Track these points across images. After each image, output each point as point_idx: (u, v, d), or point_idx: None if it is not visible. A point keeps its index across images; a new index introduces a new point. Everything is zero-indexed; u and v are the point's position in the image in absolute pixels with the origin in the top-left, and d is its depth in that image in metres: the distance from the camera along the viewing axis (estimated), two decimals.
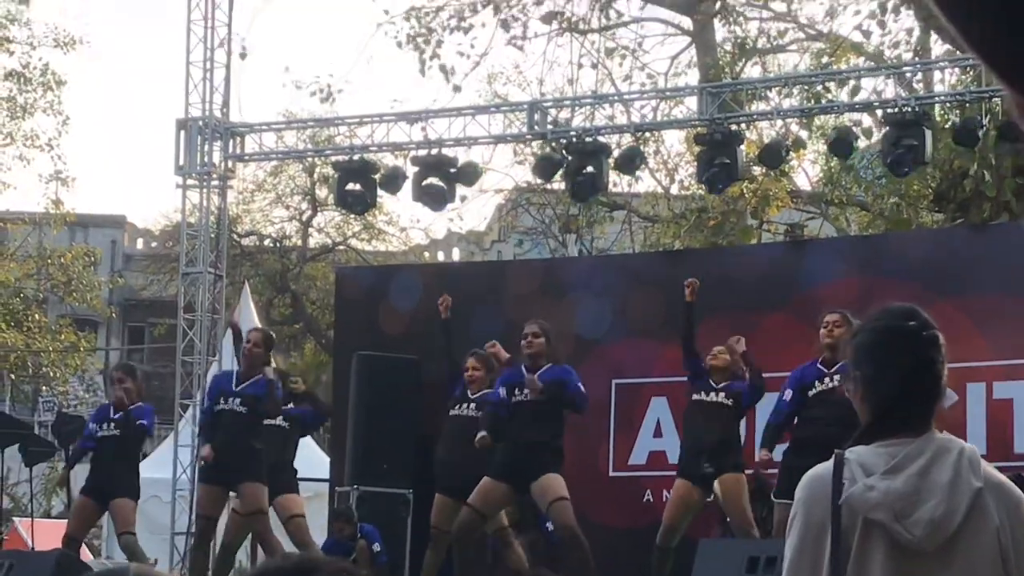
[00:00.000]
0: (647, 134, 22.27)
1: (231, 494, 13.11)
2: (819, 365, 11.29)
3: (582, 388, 11.80)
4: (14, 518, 21.73)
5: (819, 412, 10.99)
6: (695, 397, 12.24)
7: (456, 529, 11.83)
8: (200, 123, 16.78)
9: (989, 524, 3.34)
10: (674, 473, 12.61)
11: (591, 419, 14.49)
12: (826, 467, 3.43)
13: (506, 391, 11.87)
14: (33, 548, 16.17)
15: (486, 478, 11.63)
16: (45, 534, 17.17)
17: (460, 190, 16.88)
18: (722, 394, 12.06)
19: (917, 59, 21.56)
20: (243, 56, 17.09)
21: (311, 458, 18.12)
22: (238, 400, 12.74)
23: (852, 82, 17.85)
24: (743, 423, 12.66)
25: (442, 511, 12.33)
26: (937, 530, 3.31)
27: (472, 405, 12.51)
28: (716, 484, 11.96)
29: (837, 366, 10.97)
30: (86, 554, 15.75)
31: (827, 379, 11.21)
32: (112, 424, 13.19)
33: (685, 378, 12.79)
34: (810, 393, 11.29)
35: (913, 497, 3.32)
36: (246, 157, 17.81)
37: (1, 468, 17.38)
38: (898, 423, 3.43)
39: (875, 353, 3.52)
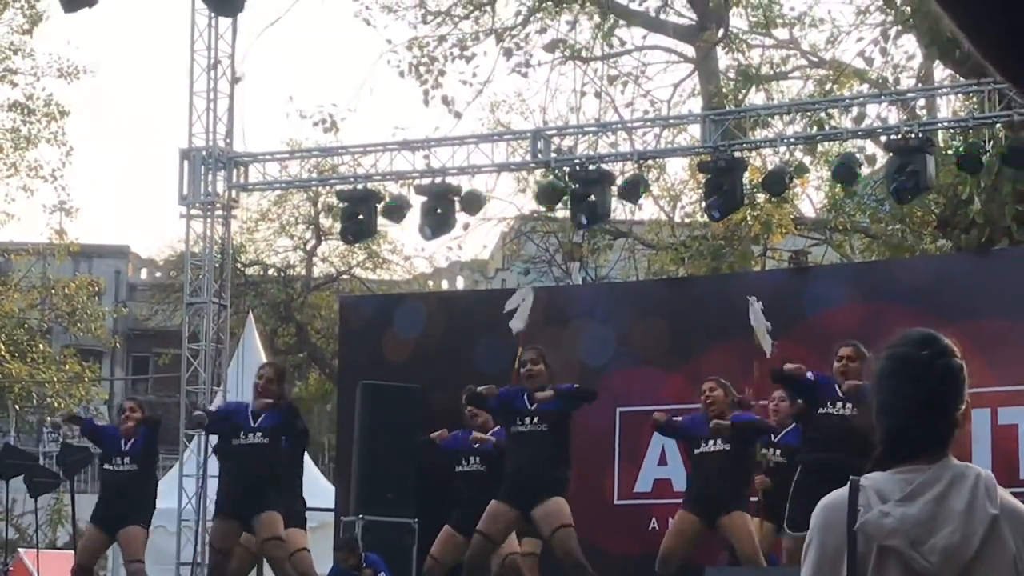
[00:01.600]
0: (650, 161, 22.29)
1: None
2: (838, 387, 11.31)
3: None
4: (19, 549, 21.70)
5: (824, 433, 11.11)
6: (696, 452, 12.17)
7: (468, 557, 11.88)
8: (204, 152, 16.79)
9: (1006, 552, 3.32)
10: (679, 500, 12.58)
11: (596, 447, 14.49)
12: (841, 494, 3.41)
13: (507, 421, 12.01)
14: None
15: (494, 502, 11.73)
16: (50, 565, 17.16)
17: (463, 218, 16.89)
18: (719, 441, 11.96)
19: (920, 85, 21.59)
20: (238, 81, 17.04)
21: (316, 488, 18.09)
22: (259, 433, 12.75)
23: (856, 109, 17.85)
24: None
25: (447, 545, 12.37)
26: (953, 557, 3.29)
27: (477, 458, 12.75)
28: (722, 521, 11.84)
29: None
30: None
31: (839, 403, 11.24)
32: (127, 459, 13.19)
33: (689, 406, 12.82)
34: (820, 411, 11.35)
35: (929, 524, 3.30)
36: (250, 186, 17.83)
37: (6, 499, 17.36)
38: (909, 451, 3.41)
39: (886, 381, 3.51)
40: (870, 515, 3.33)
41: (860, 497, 3.36)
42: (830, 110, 18.15)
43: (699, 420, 12.08)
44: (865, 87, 23.47)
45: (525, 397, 11.83)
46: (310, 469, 20.53)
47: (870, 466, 3.45)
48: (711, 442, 11.88)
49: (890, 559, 3.32)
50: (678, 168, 27.61)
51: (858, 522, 3.33)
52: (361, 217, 16.46)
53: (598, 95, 25.90)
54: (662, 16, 26.59)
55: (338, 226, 19.97)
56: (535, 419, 11.70)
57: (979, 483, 3.36)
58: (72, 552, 15.42)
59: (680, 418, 12.37)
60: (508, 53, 25.47)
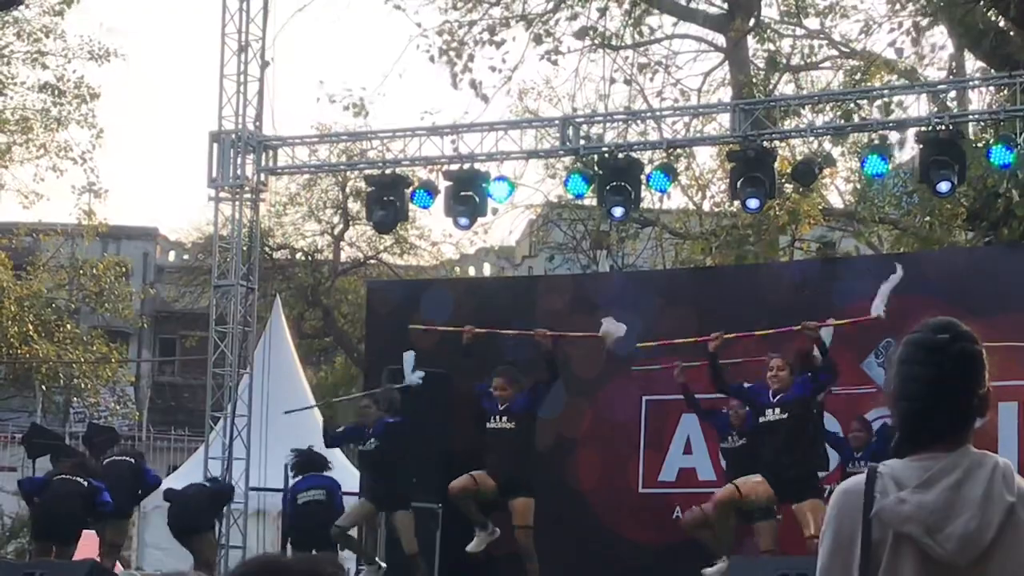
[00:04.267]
0: (679, 150, 22.24)
1: None
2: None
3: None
4: None
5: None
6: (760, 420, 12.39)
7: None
8: (233, 136, 16.83)
9: (1022, 539, 3.32)
10: (704, 490, 12.61)
11: (621, 436, 14.48)
12: (859, 480, 3.40)
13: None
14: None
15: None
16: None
17: (491, 205, 16.86)
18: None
19: (951, 77, 21.48)
20: (267, 65, 17.06)
21: (341, 472, 18.11)
22: None
23: (885, 99, 17.75)
24: None
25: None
26: (969, 545, 3.28)
27: (504, 418, 13.21)
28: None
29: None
30: (117, 566, 15.80)
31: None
32: None
33: (716, 396, 12.84)
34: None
35: (946, 511, 3.29)
36: (279, 170, 17.85)
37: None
38: (926, 438, 3.40)
39: (902, 367, 3.49)
40: (886, 502, 3.32)
41: (877, 484, 3.35)
42: (860, 101, 18.09)
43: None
44: (895, 78, 23.37)
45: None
46: (335, 454, 20.59)
47: (890, 453, 3.45)
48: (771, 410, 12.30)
49: (906, 546, 3.31)
50: (707, 157, 27.53)
51: (874, 508, 3.32)
52: (393, 200, 16.39)
53: (627, 83, 25.86)
54: (693, 5, 26.54)
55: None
56: None
57: (996, 471, 3.35)
58: (94, 531, 15.52)
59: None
60: (538, 39, 25.40)
